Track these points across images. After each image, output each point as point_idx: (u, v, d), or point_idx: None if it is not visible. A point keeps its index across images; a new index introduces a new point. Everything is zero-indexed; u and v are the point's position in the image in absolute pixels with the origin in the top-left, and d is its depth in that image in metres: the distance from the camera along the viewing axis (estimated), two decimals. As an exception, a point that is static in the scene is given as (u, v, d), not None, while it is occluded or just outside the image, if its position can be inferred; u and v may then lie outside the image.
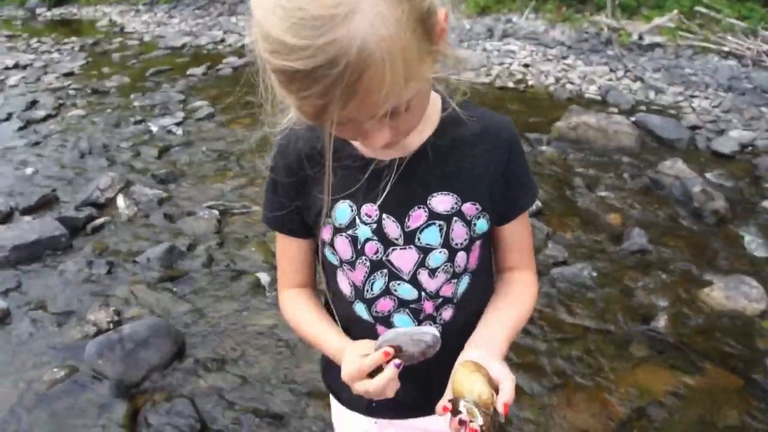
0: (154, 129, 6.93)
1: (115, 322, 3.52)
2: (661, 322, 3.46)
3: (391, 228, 1.22)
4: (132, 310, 3.68)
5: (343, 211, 1.23)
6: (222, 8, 14.77)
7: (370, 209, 1.22)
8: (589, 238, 4.33)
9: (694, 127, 6.31)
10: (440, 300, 1.28)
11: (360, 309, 1.32)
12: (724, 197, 4.68)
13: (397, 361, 1.12)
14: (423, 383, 1.31)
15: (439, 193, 1.21)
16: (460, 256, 1.25)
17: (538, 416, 2.86)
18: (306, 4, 0.82)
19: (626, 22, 9.06)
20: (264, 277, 3.94)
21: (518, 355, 3.22)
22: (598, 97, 7.38)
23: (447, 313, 1.30)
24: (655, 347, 3.32)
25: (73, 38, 13.87)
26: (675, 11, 8.77)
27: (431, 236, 1.22)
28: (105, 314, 3.57)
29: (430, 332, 1.13)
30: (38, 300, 3.86)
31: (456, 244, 1.23)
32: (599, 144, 5.80)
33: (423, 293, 1.26)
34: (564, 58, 8.61)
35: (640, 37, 8.68)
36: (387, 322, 1.30)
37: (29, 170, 6.04)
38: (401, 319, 1.29)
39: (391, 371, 1.11)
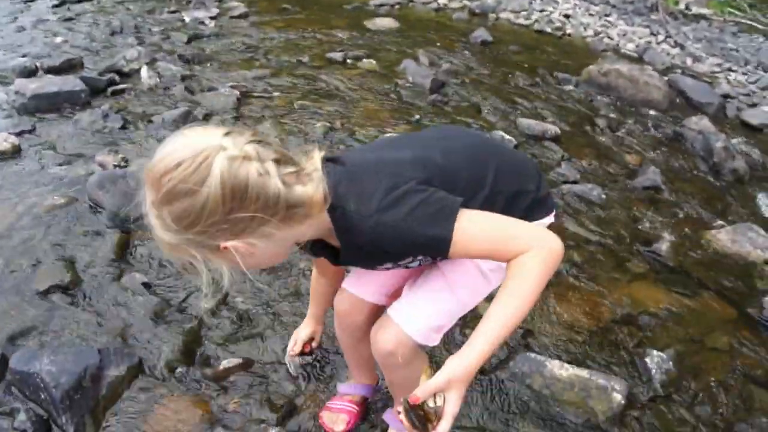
0: (187, 19, 6.88)
1: (121, 167, 3.53)
2: (663, 247, 3.43)
3: None
4: (141, 160, 3.67)
5: None
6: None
7: None
8: (603, 168, 4.29)
9: (726, 96, 6.21)
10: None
11: None
12: (745, 161, 4.62)
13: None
14: None
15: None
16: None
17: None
18: None
19: (675, -12, 8.88)
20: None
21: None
22: (634, 55, 7.27)
23: None
24: (653, 268, 3.30)
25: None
26: (727, -15, 8.59)
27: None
28: (112, 158, 3.57)
29: None
30: (50, 142, 3.89)
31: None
32: (628, 93, 5.71)
33: None
34: (606, 15, 8.47)
35: (687, 7, 8.52)
36: None
37: (59, 39, 6.06)
38: None
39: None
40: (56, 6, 7.58)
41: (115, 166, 3.50)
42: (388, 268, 1.56)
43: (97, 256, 2.85)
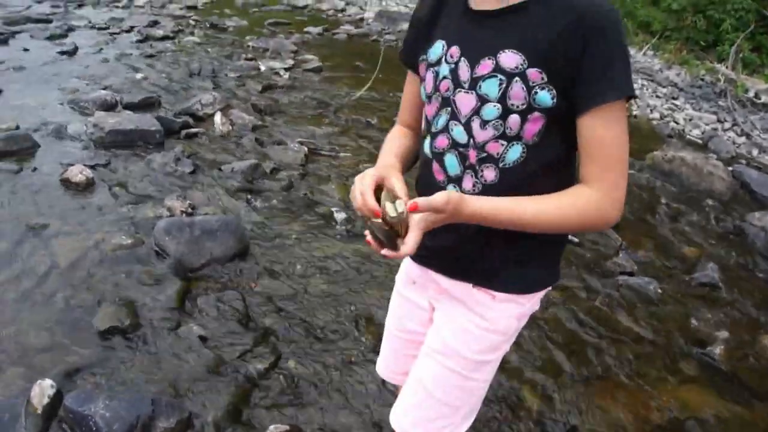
0: (263, 68, 7.11)
1: (188, 213, 3.64)
2: (717, 350, 3.37)
3: (463, 71, 1.29)
4: (207, 208, 3.80)
5: (437, 48, 1.36)
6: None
7: (454, 50, 1.32)
8: (661, 261, 4.24)
9: (791, 192, 6.09)
10: (485, 155, 1.30)
11: (426, 143, 1.42)
12: (810, 263, 4.52)
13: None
14: (454, 243, 1.40)
15: (510, 50, 1.23)
16: (513, 119, 1.25)
17: (575, 399, 2.82)
18: None
19: (745, 77, 8.77)
20: (337, 213, 3.99)
21: (568, 342, 3.18)
22: (699, 141, 7.21)
23: (489, 174, 1.31)
24: (706, 371, 3.23)
25: (203, -22, 14.29)
26: (800, 76, 8.49)
27: (490, 88, 1.25)
28: (180, 204, 3.69)
29: None
30: (122, 179, 4.05)
31: (512, 105, 1.24)
32: (691, 182, 5.66)
33: (471, 140, 1.31)
34: (674, 98, 8.42)
35: (757, 95, 8.41)
36: (440, 159, 1.37)
37: (139, 75, 6.34)
38: (450, 159, 1.36)
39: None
40: (140, 41, 7.97)
41: (182, 212, 3.61)
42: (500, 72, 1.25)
43: (158, 302, 2.93)
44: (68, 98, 5.51)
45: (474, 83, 1.27)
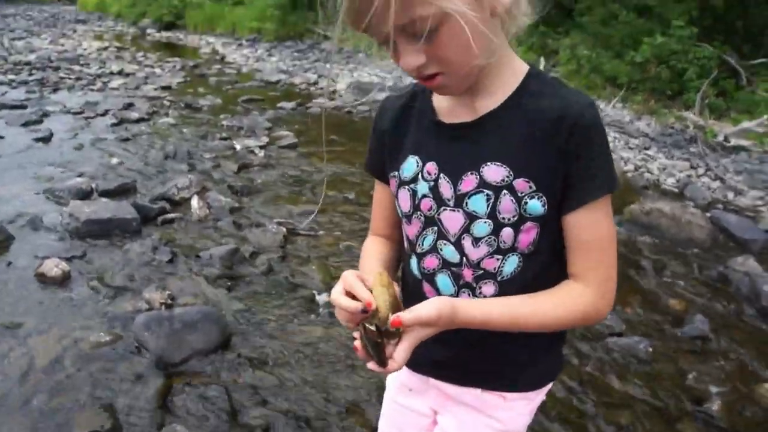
0: (238, 147, 7.14)
1: (167, 305, 3.58)
2: (714, 406, 3.31)
3: (445, 188, 1.24)
4: (186, 298, 3.74)
5: (410, 165, 1.30)
6: (319, 55, 15.29)
7: (431, 167, 1.26)
8: (649, 317, 4.21)
9: (770, 231, 6.12)
10: (481, 272, 1.25)
11: (413, 263, 1.35)
12: (796, 303, 4.51)
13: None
14: (458, 351, 1.33)
15: (493, 162, 1.19)
16: (506, 232, 1.21)
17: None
18: None
19: (713, 122, 8.92)
20: (319, 296, 3.94)
21: (562, 412, 3.12)
22: (675, 190, 7.27)
23: (488, 289, 1.25)
24: (705, 429, 3.18)
25: (176, 59, 14.56)
26: (765, 117, 8.60)
27: (478, 204, 1.21)
28: (159, 295, 3.63)
29: None
30: (99, 271, 3.99)
31: (503, 218, 1.20)
32: (671, 232, 5.68)
33: (465, 259, 1.25)
34: (646, 148, 8.53)
35: (726, 139, 8.53)
36: (431, 280, 1.31)
37: (114, 160, 6.35)
38: (443, 280, 1.30)
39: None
40: (115, 125, 8.02)
41: (161, 303, 3.56)
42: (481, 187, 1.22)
43: (139, 401, 2.85)
44: (43, 187, 5.50)
45: (459, 200, 1.23)
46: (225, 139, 7.52)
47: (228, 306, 3.71)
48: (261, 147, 7.19)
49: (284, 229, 4.78)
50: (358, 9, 1.01)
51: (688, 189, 7.20)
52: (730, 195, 7.21)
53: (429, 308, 1.11)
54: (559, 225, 1.22)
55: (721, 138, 8.59)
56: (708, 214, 6.12)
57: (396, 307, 1.13)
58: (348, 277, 1.17)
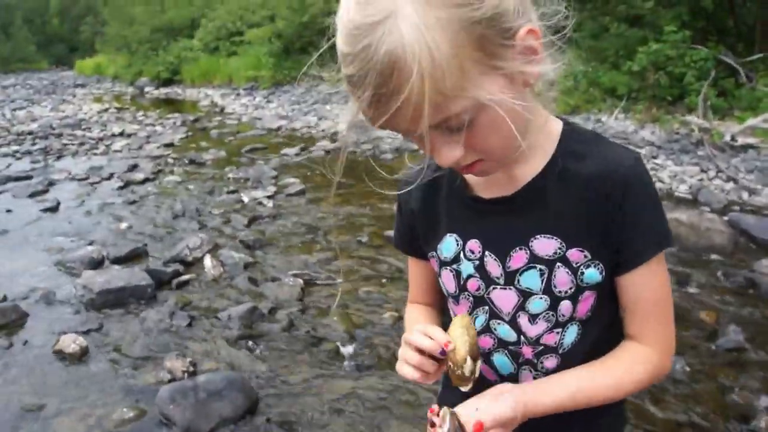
0: (246, 200, 7.11)
1: (190, 372, 3.50)
2: (763, 422, 3.20)
3: (493, 266, 1.17)
4: (208, 363, 3.66)
5: (449, 244, 1.22)
6: (317, 96, 15.36)
7: (474, 245, 1.19)
8: (679, 334, 4.07)
9: (790, 228, 6.01)
10: (541, 347, 1.18)
11: None
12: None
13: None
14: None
15: (542, 235, 1.12)
16: (565, 305, 1.14)
17: None
18: (354, 13, 0.88)
19: (718, 122, 8.84)
20: (343, 348, 3.86)
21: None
22: (689, 197, 7.19)
23: (550, 362, 1.19)
24: (756, 452, 3.06)
25: (176, 114, 14.69)
26: (769, 112, 8.56)
27: (531, 280, 1.14)
28: (181, 363, 3.55)
29: None
30: (117, 343, 3.92)
31: (559, 292, 1.13)
32: (690, 241, 5.59)
33: (522, 337, 1.18)
34: (654, 157, 8.47)
35: (733, 138, 8.46)
36: (487, 360, 1.24)
37: (124, 225, 6.31)
38: (500, 359, 1.22)
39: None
40: (121, 188, 8.03)
41: (183, 372, 3.48)
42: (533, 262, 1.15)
43: (170, 478, 2.76)
44: (54, 259, 5.46)
45: (510, 278, 1.16)
46: (232, 192, 7.51)
47: (251, 368, 3.62)
48: (269, 197, 7.17)
49: (301, 281, 4.70)
50: (386, 115, 0.92)
51: (701, 194, 7.12)
52: (745, 195, 7.13)
53: (505, 410, 1.07)
54: (613, 285, 1.15)
55: (728, 138, 8.52)
56: (726, 218, 6.05)
57: (474, 352, 1.09)
58: (420, 325, 1.15)
